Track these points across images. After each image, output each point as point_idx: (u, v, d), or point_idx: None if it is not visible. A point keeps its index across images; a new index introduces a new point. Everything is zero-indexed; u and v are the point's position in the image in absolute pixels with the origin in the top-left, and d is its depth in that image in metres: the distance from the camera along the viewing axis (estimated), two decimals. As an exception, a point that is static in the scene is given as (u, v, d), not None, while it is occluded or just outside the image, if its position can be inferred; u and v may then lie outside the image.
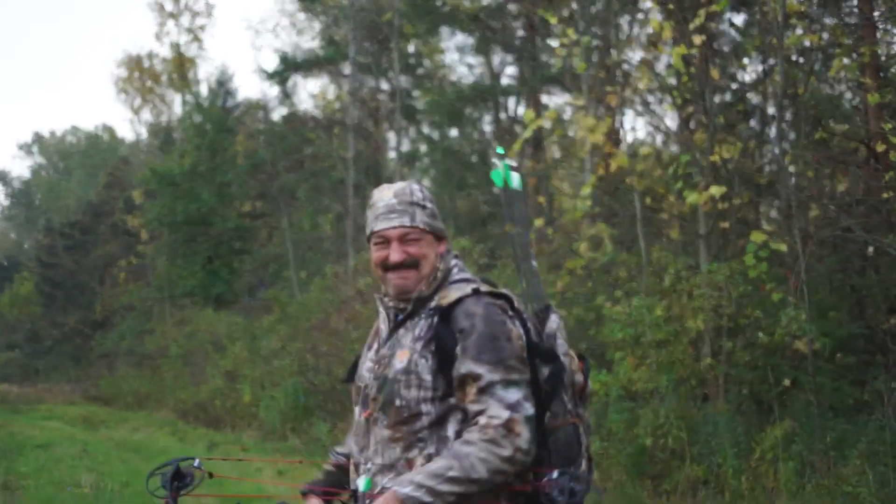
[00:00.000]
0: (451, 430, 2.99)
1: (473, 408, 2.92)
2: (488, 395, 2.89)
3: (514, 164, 3.52)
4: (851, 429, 8.86)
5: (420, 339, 3.07)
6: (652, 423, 9.75)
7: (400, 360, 3.06)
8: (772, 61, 13.34)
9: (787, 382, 10.62)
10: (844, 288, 12.32)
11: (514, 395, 2.90)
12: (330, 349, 16.30)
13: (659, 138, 15.35)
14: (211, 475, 3.12)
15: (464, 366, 2.95)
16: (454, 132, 25.47)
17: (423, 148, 26.26)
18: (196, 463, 3.10)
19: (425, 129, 26.66)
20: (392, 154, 26.54)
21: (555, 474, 2.90)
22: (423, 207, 3.14)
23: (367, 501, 2.95)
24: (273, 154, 26.58)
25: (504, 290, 3.15)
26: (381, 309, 3.24)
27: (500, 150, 3.57)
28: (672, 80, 12.47)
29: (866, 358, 11.47)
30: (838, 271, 12.41)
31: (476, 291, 3.06)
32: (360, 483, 3.03)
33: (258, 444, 14.85)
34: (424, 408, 3.01)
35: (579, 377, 3.19)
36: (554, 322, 3.21)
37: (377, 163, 26.17)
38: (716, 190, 11.59)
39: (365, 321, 15.99)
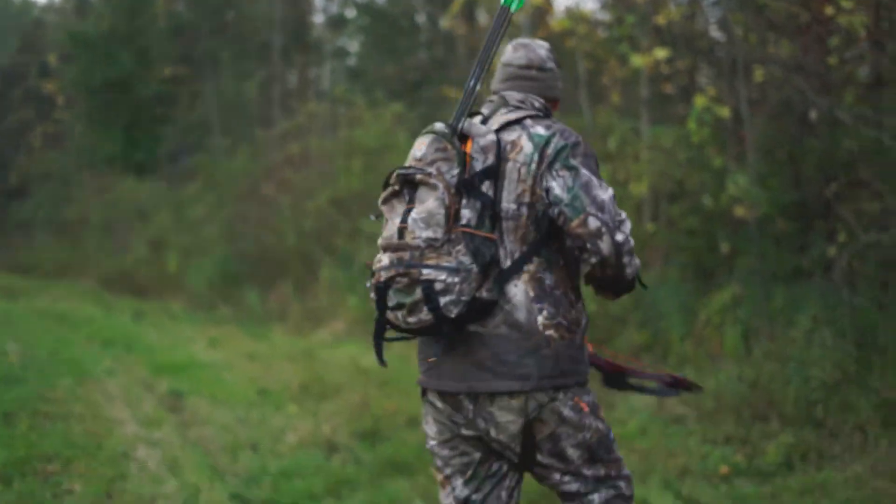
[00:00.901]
0: None
1: None
2: None
3: None
4: (798, 293, 8.75)
5: None
6: (594, 289, 9.55)
7: None
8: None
9: (725, 248, 10.52)
10: (785, 154, 12.18)
11: None
12: (259, 216, 15.91)
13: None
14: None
15: None
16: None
17: (352, 12, 25.51)
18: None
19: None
20: (319, 18, 25.79)
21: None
22: None
23: None
24: (195, 16, 25.63)
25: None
26: None
27: None
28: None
29: (805, 224, 11.39)
30: (779, 137, 12.25)
31: None
32: None
33: (187, 312, 14.50)
34: None
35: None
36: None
37: (304, 26, 25.41)
38: (660, 52, 11.28)
39: (297, 188, 15.60)
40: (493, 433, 3.20)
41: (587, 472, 3.32)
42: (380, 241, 3.12)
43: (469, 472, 3.31)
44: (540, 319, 3.15)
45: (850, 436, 6.27)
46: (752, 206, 10.76)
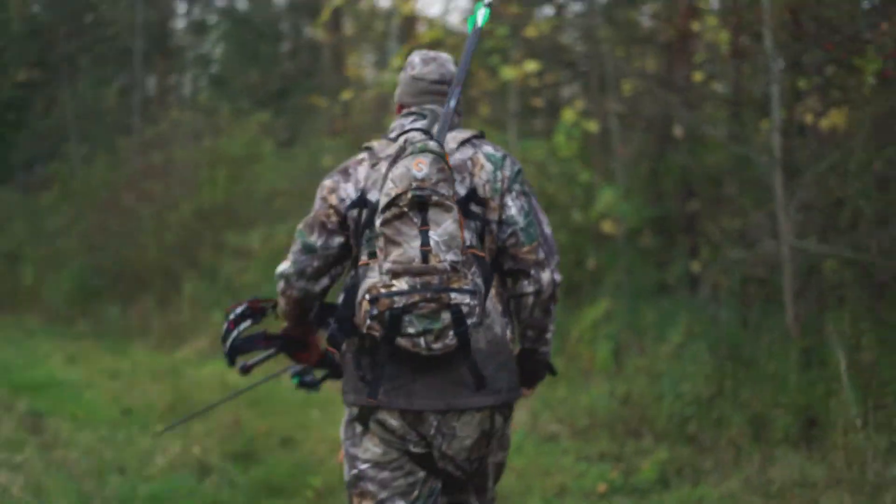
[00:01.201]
0: None
1: None
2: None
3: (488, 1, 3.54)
4: (667, 308, 8.87)
5: None
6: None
7: None
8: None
9: (591, 263, 10.62)
10: (648, 169, 12.35)
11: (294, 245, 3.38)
12: (119, 228, 15.43)
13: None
14: (274, 306, 3.65)
15: None
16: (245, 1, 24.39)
17: (215, 18, 25.05)
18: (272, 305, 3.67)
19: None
20: (182, 23, 25.25)
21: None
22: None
23: None
24: (52, 19, 24.78)
25: (372, 143, 3.35)
26: None
27: None
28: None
29: (668, 240, 11.59)
30: (645, 152, 12.43)
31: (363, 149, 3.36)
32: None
33: (43, 328, 13.97)
34: None
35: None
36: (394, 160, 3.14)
37: (166, 32, 24.85)
38: (531, 65, 11.34)
39: (159, 199, 15.19)
40: (444, 447, 3.19)
41: (489, 494, 3.41)
42: (390, 266, 3.02)
43: (414, 493, 3.26)
44: (508, 333, 3.25)
45: (723, 451, 6.34)
46: (619, 221, 10.89)
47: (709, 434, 6.54)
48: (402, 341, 3.03)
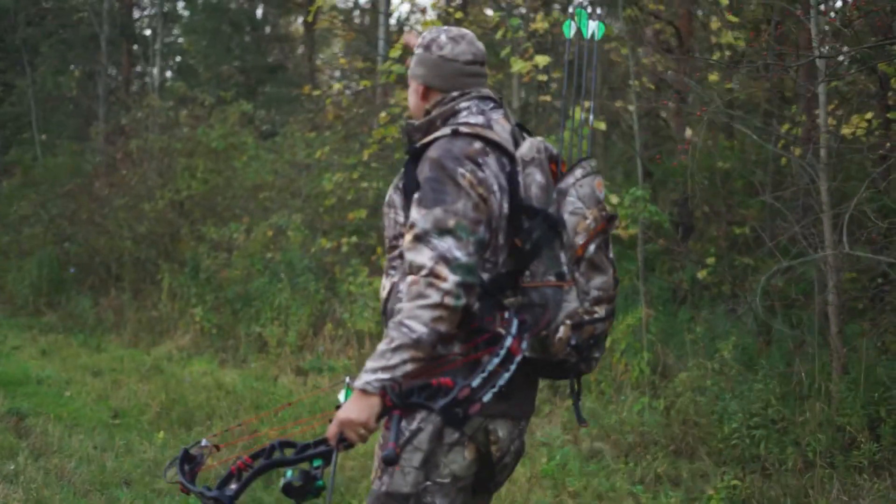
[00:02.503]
0: None
1: (407, 256, 2.93)
2: (422, 244, 2.89)
3: (590, 10, 3.38)
4: (710, 320, 8.33)
5: (400, 175, 3.16)
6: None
7: (388, 194, 3.21)
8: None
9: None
10: (661, 171, 11.89)
11: (445, 243, 2.87)
12: (90, 217, 14.66)
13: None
14: (218, 448, 3.26)
15: (411, 212, 2.97)
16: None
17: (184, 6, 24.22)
18: (203, 443, 3.24)
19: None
20: (149, 10, 24.41)
21: (506, 314, 2.94)
22: (415, 52, 3.27)
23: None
24: (11, 3, 23.82)
25: (493, 135, 3.08)
26: None
27: None
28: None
29: (678, 246, 11.10)
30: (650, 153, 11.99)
31: (455, 132, 3.04)
32: (341, 396, 3.08)
33: (7, 320, 13.16)
34: (399, 241, 3.11)
35: (580, 239, 3.07)
36: (573, 178, 3.11)
37: (132, 19, 24.02)
38: (541, 59, 10.78)
39: (134, 188, 14.46)
40: (507, 458, 3.17)
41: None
42: (597, 294, 3.09)
43: None
44: None
45: (799, 477, 5.79)
46: (640, 223, 10.36)
47: (778, 457, 5.98)
48: (583, 366, 3.12)
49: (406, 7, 13.44)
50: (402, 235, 3.08)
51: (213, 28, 21.90)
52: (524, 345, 2.89)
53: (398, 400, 2.85)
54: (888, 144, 8.20)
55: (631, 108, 11.15)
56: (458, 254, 2.86)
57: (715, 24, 11.34)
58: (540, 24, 11.19)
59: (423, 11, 13.53)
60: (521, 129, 3.27)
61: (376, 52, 14.78)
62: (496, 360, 2.85)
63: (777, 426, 6.17)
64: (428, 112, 3.21)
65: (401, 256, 3.08)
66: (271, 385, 8.86)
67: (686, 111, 11.39)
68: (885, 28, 8.76)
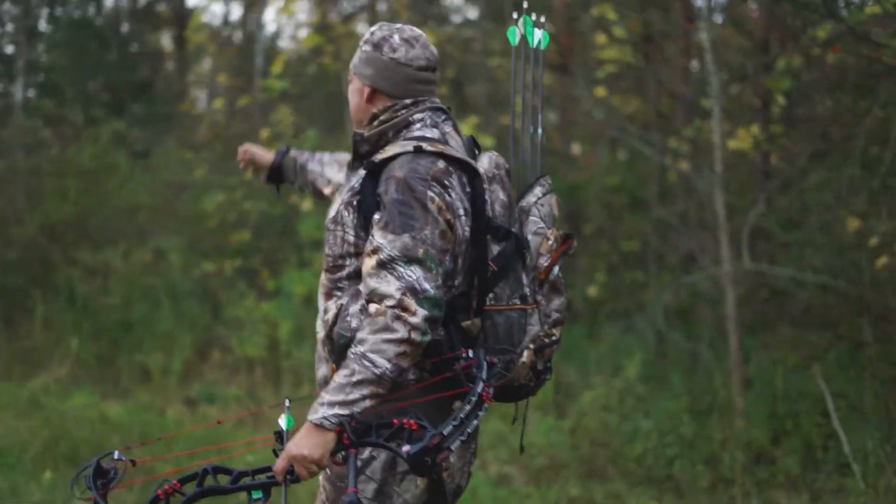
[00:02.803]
0: None
1: (369, 283, 2.76)
2: (387, 271, 2.74)
3: (536, 18, 3.24)
4: (609, 337, 8.28)
5: (352, 191, 2.95)
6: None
7: (334, 208, 3.00)
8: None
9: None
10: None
11: (414, 273, 2.73)
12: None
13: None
14: (134, 463, 2.98)
15: (372, 234, 2.80)
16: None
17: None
18: (116, 455, 2.96)
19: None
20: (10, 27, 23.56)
21: (470, 353, 2.80)
22: (361, 47, 3.08)
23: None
24: None
25: (455, 153, 2.91)
26: None
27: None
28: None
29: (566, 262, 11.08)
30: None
31: (418, 150, 2.85)
32: (282, 421, 2.84)
33: None
34: (347, 261, 2.93)
35: (544, 260, 3.01)
36: (534, 196, 3.06)
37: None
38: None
39: (0, 211, 13.82)
40: (461, 481, 3.07)
41: None
42: (557, 316, 3.07)
43: None
44: None
45: (717, 494, 5.74)
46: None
47: (692, 475, 5.92)
48: (535, 389, 3.15)
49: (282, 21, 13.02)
50: (351, 255, 2.92)
51: (78, 44, 21.21)
52: (491, 391, 2.77)
53: (356, 438, 2.70)
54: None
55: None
56: (427, 285, 2.74)
57: (600, 37, 11.38)
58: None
59: (299, 28, 13.22)
60: (474, 143, 3.12)
61: (252, 67, 14.51)
62: (468, 408, 2.72)
63: (686, 443, 6.13)
64: (375, 116, 3.02)
65: (349, 278, 2.93)
66: (159, 417, 8.51)
67: (571, 126, 11.43)
68: (763, 44, 8.90)
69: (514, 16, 3.22)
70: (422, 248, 2.75)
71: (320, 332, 2.97)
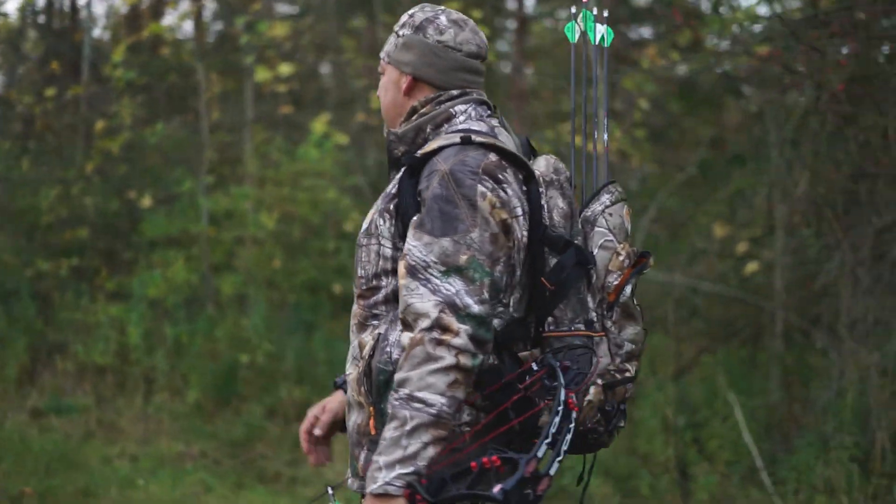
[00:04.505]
0: None
1: (402, 298, 2.31)
2: (419, 282, 2.29)
3: (597, 12, 2.81)
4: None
5: (387, 196, 2.49)
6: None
7: (367, 220, 2.52)
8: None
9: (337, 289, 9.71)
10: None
11: (453, 285, 2.27)
12: None
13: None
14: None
15: (408, 237, 2.35)
16: None
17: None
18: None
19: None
20: None
21: (534, 365, 2.35)
22: (396, 32, 2.60)
23: None
24: None
25: (509, 148, 2.45)
26: None
27: None
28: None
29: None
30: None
31: (466, 140, 2.40)
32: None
33: None
34: (384, 280, 2.46)
35: (613, 279, 2.52)
36: (601, 204, 2.58)
37: None
38: (285, 68, 10.20)
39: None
40: None
41: None
42: (630, 347, 2.54)
43: None
44: None
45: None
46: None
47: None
48: (606, 438, 2.53)
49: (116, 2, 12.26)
50: (388, 273, 2.45)
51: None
52: (575, 398, 2.31)
53: (432, 498, 2.21)
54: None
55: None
56: (470, 300, 2.27)
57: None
58: (280, 30, 10.56)
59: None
60: (529, 144, 2.65)
61: (79, 56, 13.61)
62: (556, 420, 2.24)
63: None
64: (415, 111, 2.54)
65: (386, 301, 2.45)
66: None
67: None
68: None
69: (573, 10, 2.79)
70: (465, 254, 2.30)
71: (351, 373, 2.50)
